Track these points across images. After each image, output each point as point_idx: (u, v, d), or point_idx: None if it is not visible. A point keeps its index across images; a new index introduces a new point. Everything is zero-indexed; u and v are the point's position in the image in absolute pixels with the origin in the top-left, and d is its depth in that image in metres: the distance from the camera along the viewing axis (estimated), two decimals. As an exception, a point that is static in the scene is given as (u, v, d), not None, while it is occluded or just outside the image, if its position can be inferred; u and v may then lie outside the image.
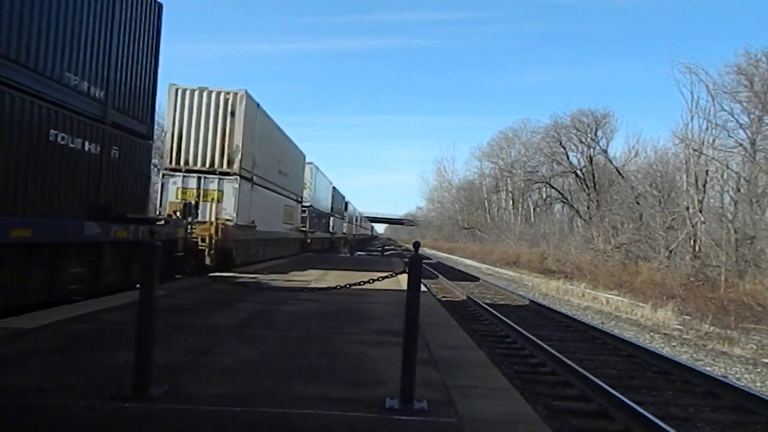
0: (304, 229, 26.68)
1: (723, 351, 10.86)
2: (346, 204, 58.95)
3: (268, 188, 18.06)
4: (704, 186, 24.26)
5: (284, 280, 12.11)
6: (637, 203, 29.42)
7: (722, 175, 24.68)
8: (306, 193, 27.27)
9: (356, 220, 67.31)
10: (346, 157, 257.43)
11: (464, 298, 16.60)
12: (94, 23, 8.16)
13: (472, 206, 68.09)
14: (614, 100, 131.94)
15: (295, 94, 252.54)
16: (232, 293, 8.86)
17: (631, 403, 6.00)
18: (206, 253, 12.97)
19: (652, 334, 12.57)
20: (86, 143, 8.08)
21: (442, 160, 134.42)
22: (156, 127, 11.03)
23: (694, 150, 24.52)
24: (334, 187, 44.82)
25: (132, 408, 3.41)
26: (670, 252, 24.17)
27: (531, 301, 16.58)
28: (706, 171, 24.37)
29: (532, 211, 54.99)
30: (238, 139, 14.47)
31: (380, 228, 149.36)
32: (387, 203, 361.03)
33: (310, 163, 28.77)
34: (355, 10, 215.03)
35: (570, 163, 45.28)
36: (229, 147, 14.43)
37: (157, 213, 13.50)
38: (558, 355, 8.38)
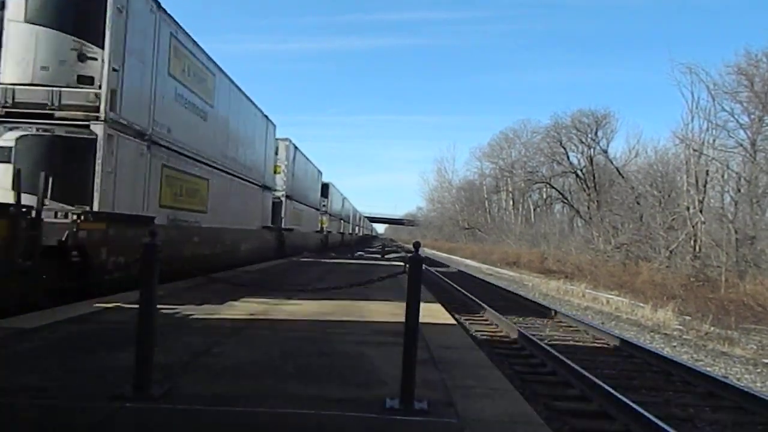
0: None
1: (723, 351, 10.86)
2: (344, 200, 49.63)
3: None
4: (704, 186, 24.25)
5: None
6: (638, 203, 29.41)
7: (723, 176, 24.67)
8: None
9: (357, 220, 65.41)
10: (346, 157, 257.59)
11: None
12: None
13: (472, 206, 68.09)
14: (615, 100, 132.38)
15: (296, 94, 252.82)
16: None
17: (632, 404, 6.00)
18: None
19: (652, 334, 12.56)
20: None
21: (442, 160, 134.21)
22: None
23: (695, 150, 24.51)
24: (328, 183, 37.36)
25: (132, 408, 3.41)
26: (671, 252, 24.15)
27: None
28: (707, 171, 24.35)
29: (532, 211, 54.99)
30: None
31: (380, 228, 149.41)
32: (387, 203, 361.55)
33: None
34: (356, 9, 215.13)
35: (570, 163, 45.33)
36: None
37: None
38: (559, 355, 8.38)
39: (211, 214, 13.39)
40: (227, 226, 14.74)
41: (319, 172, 33.28)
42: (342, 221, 48.49)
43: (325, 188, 36.01)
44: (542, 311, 14.74)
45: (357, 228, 63.14)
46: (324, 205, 35.34)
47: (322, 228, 34.85)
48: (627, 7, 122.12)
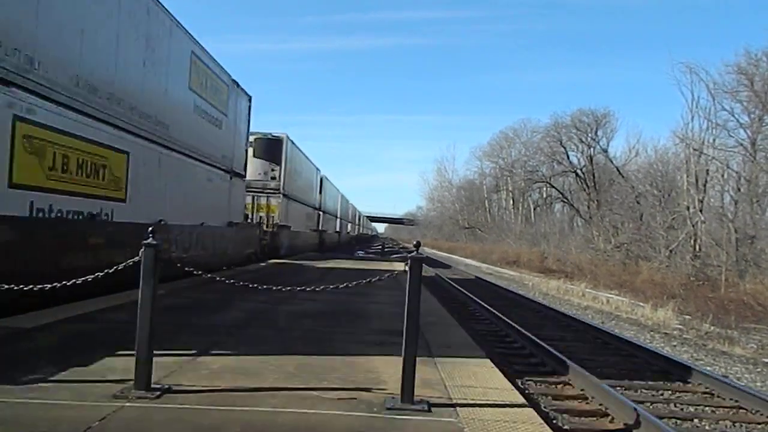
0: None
1: (723, 351, 10.86)
2: (322, 180, 30.97)
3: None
4: (704, 186, 24.27)
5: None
6: (638, 203, 29.42)
7: (722, 175, 24.69)
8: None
9: (350, 216, 61.62)
10: (346, 157, 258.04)
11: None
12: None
13: (472, 206, 68.13)
14: (614, 99, 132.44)
15: (296, 94, 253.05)
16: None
17: (631, 403, 6.00)
18: None
19: (652, 333, 12.57)
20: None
21: (442, 159, 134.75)
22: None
23: (695, 149, 24.53)
24: (282, 139, 20.30)
25: (132, 408, 3.41)
26: (671, 252, 24.16)
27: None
28: (707, 171, 24.38)
29: (532, 210, 55.00)
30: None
31: (380, 227, 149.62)
32: (387, 203, 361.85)
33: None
34: (356, 9, 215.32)
35: (570, 162, 45.36)
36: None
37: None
38: (558, 354, 8.38)
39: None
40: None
41: (238, 90, 14.89)
42: (320, 213, 30.85)
43: (275, 146, 20.41)
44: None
45: (350, 225, 59.35)
46: (273, 177, 20.45)
47: (268, 221, 20.22)
48: (627, 7, 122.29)
